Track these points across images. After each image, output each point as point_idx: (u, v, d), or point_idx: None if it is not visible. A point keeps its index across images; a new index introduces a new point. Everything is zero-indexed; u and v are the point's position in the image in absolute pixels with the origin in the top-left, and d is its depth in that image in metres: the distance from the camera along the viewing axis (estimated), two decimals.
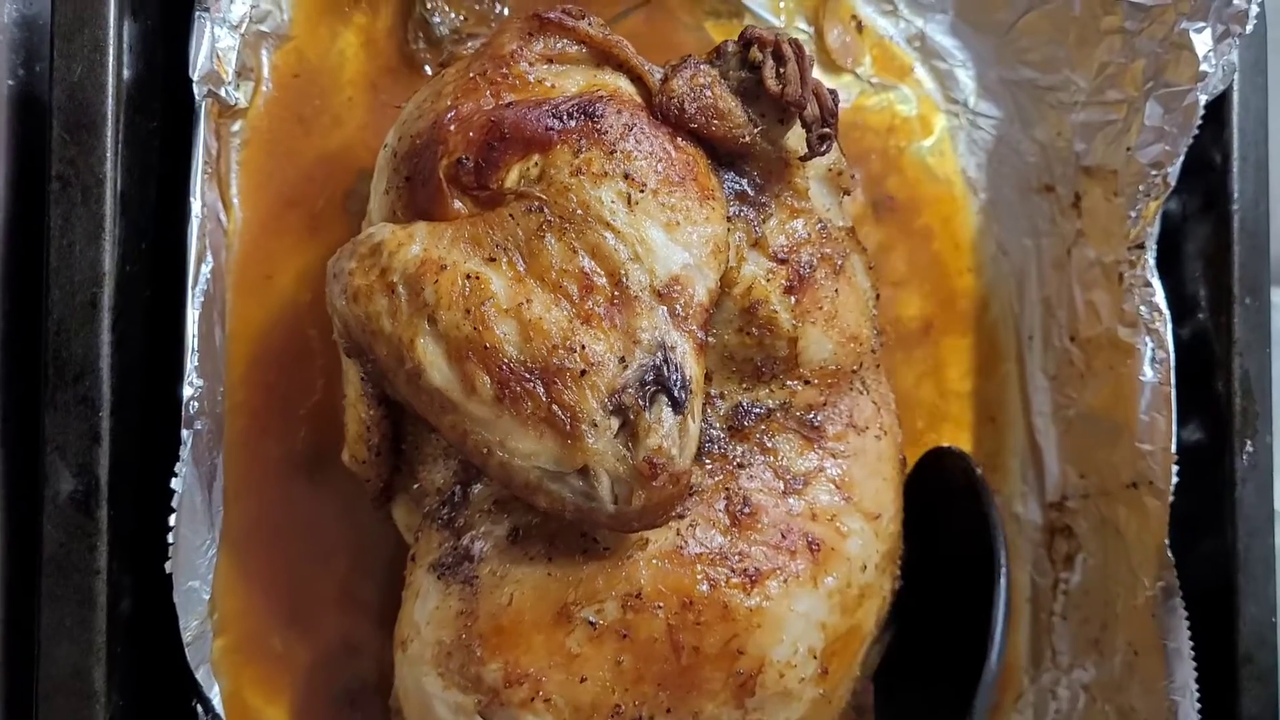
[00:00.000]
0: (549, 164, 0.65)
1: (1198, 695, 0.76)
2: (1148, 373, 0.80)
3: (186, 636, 0.67)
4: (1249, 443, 0.79)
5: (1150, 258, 0.81)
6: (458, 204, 0.66)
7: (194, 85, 0.68)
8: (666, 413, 0.63)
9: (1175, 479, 0.77)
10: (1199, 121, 0.78)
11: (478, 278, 0.63)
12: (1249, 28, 0.77)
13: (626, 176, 0.65)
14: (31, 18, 0.79)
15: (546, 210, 0.64)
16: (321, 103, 0.83)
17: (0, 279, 0.77)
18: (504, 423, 0.63)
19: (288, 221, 0.81)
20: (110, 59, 0.64)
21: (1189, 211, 0.82)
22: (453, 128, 0.65)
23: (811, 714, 0.71)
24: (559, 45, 0.69)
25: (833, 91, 0.70)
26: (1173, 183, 0.79)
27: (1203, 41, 0.78)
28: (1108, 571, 0.84)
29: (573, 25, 0.68)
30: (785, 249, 0.70)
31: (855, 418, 0.74)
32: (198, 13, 0.69)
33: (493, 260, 0.64)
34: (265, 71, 0.81)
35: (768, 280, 0.70)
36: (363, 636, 0.81)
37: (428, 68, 0.84)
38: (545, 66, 0.68)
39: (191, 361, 0.66)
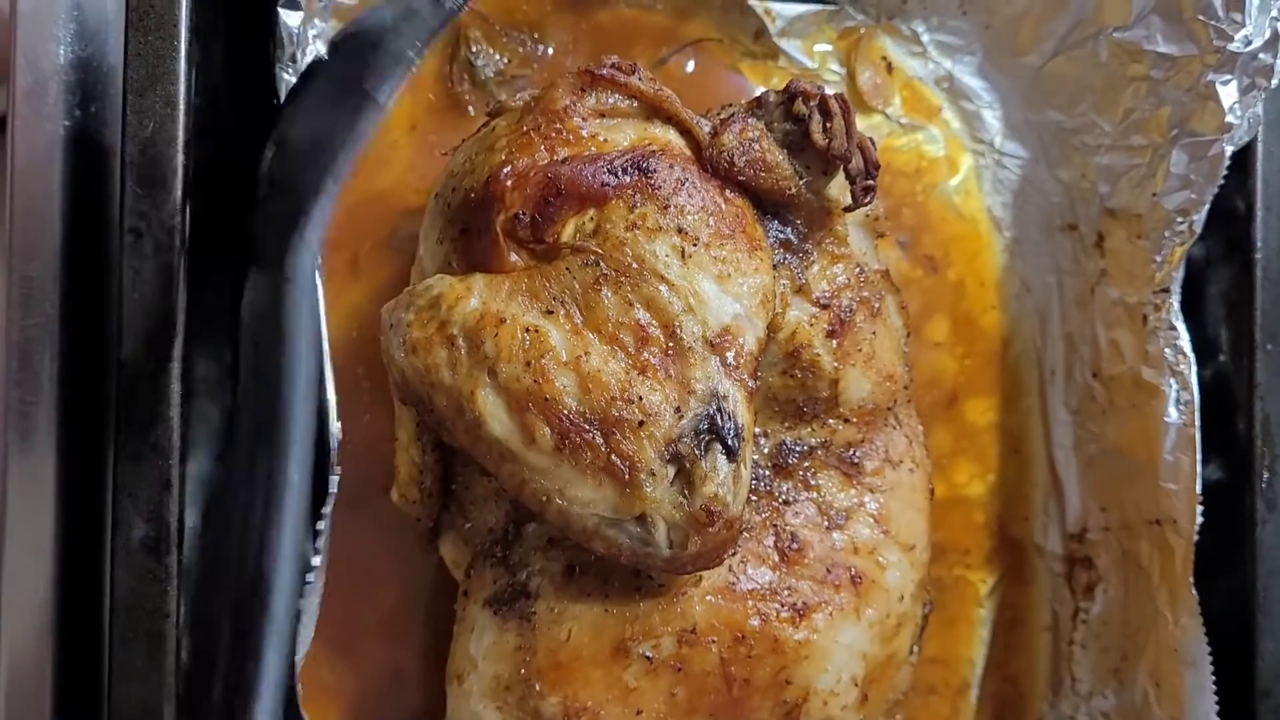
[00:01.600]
0: (604, 218, 0.67)
1: None
2: (1172, 414, 0.82)
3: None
4: (1268, 484, 0.81)
5: (1175, 302, 0.83)
6: (514, 257, 0.67)
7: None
8: (721, 461, 0.65)
9: (1200, 519, 0.80)
10: (1224, 171, 0.80)
11: (537, 331, 0.65)
12: (1275, 81, 0.79)
13: (680, 230, 0.67)
14: (86, 59, 0.80)
15: (602, 264, 0.66)
16: (370, 143, 0.84)
17: (57, 315, 0.79)
18: (563, 472, 0.65)
19: (334, 262, 0.83)
20: (180, 114, 0.65)
21: (1212, 257, 0.85)
22: (509, 183, 0.67)
23: None
24: (610, 100, 0.71)
25: (871, 140, 0.72)
26: (1198, 230, 0.82)
27: (1228, 94, 0.80)
28: (1129, 604, 0.86)
29: (624, 81, 0.70)
30: (827, 294, 0.73)
31: (890, 453, 0.77)
32: (279, 68, 0.70)
33: (550, 313, 0.66)
34: None
35: (811, 325, 0.72)
36: (409, 667, 0.83)
37: (471, 109, 0.86)
38: (598, 121, 0.70)
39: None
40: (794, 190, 0.72)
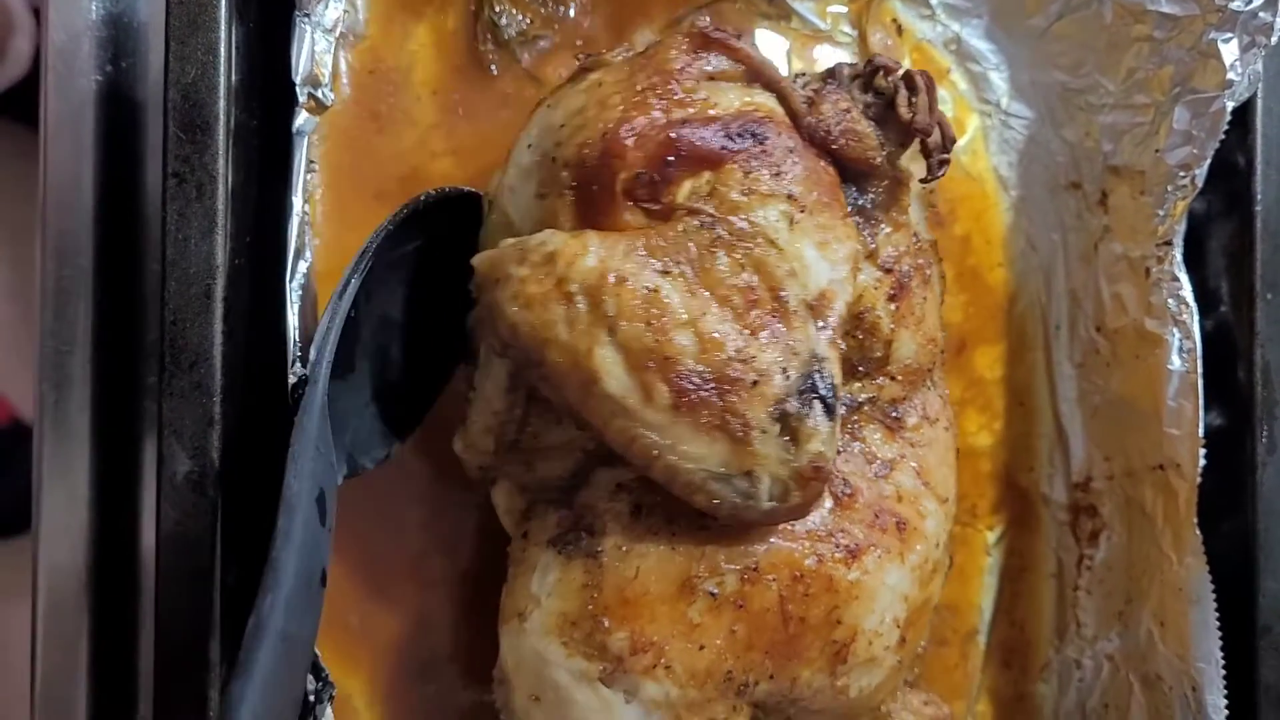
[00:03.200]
0: (719, 182, 0.69)
1: (1223, 664, 0.81)
2: (1175, 362, 0.85)
3: None
4: (1268, 429, 0.84)
5: (1178, 254, 0.85)
6: (628, 216, 0.69)
7: (296, 88, 0.71)
8: (822, 419, 0.68)
9: (1202, 462, 0.83)
10: (1225, 127, 0.83)
11: (657, 290, 0.67)
12: (1274, 39, 0.82)
13: (789, 197, 0.69)
14: (117, 15, 0.82)
15: (718, 226, 0.68)
16: (395, 100, 0.86)
17: (91, 267, 0.81)
18: (678, 429, 0.67)
19: (364, 214, 0.85)
20: (221, 61, 0.67)
21: (1213, 211, 0.88)
22: (630, 142, 0.68)
23: (886, 681, 0.77)
24: (719, 63, 0.72)
25: None
26: (1200, 184, 0.84)
27: (1230, 51, 0.83)
28: (1133, 548, 0.89)
29: (736, 46, 0.72)
30: (891, 260, 0.76)
31: (928, 411, 0.79)
32: (298, 17, 0.72)
33: (667, 273, 0.67)
34: (343, 70, 0.84)
35: (875, 288, 0.75)
36: (437, 611, 0.85)
37: (494, 68, 0.88)
38: (707, 83, 0.72)
39: (294, 352, 0.70)
40: (877, 160, 0.74)
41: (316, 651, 0.72)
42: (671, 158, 0.68)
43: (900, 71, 0.75)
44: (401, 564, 0.85)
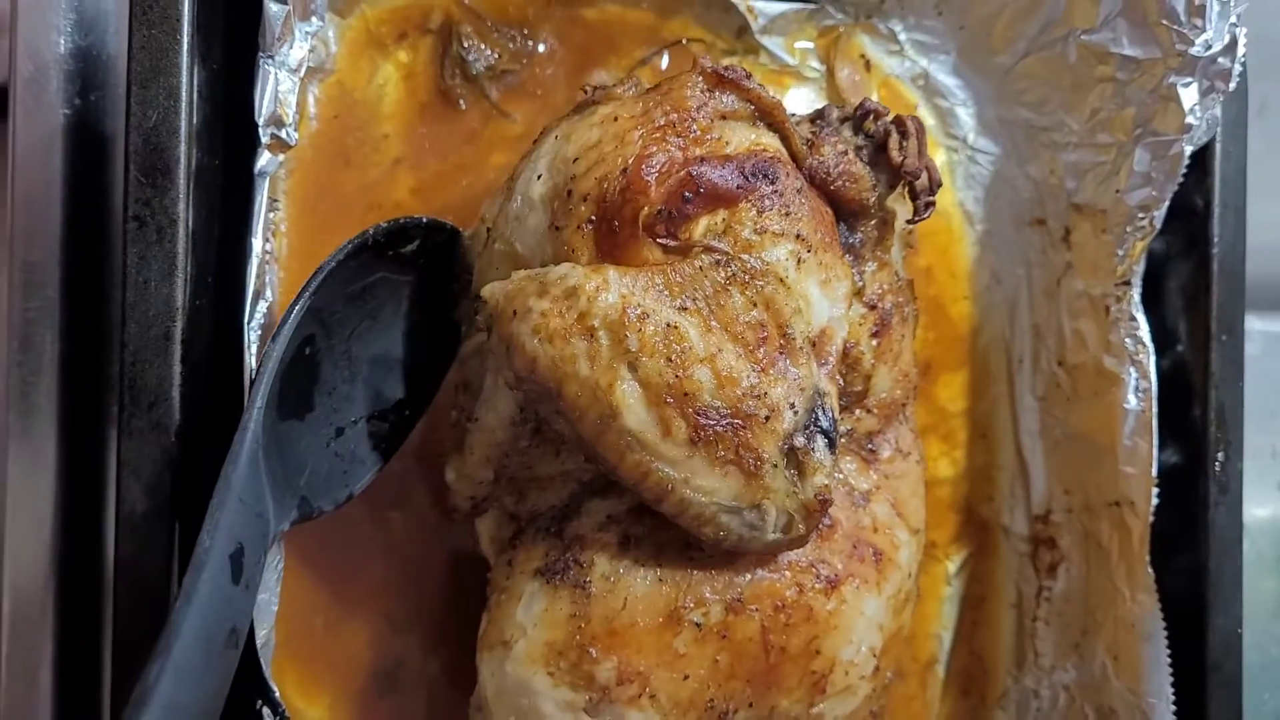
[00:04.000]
0: (734, 220, 0.70)
1: (1174, 699, 0.82)
2: (1131, 401, 0.86)
3: (259, 644, 0.72)
4: (1221, 468, 0.85)
5: (1136, 294, 0.87)
6: (645, 251, 0.70)
7: (259, 129, 0.72)
8: (825, 452, 0.70)
9: (1155, 501, 0.84)
10: (1184, 170, 0.84)
11: (676, 327, 0.68)
12: (1233, 85, 0.83)
13: (798, 237, 0.71)
14: (86, 49, 0.83)
15: (732, 264, 0.69)
16: (361, 135, 0.87)
17: (58, 299, 0.81)
18: (694, 463, 0.68)
19: (331, 248, 0.85)
20: (183, 105, 0.68)
21: (1172, 251, 0.89)
22: (651, 178, 0.69)
23: (859, 710, 0.79)
24: (730, 101, 0.73)
25: None
26: (1158, 226, 0.85)
27: (1189, 95, 0.84)
28: (1089, 582, 0.90)
29: (749, 87, 0.73)
30: (876, 297, 0.78)
31: (900, 444, 0.82)
32: (261, 58, 0.72)
33: (685, 309, 0.68)
34: (310, 106, 0.85)
35: (860, 324, 0.76)
36: (398, 640, 0.86)
37: (463, 103, 0.88)
38: (720, 121, 0.73)
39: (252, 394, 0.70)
40: (869, 201, 0.76)
41: (273, 686, 0.73)
42: (689, 194, 0.69)
43: (891, 116, 0.77)
44: (361, 594, 0.86)
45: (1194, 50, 0.83)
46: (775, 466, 0.69)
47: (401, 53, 0.88)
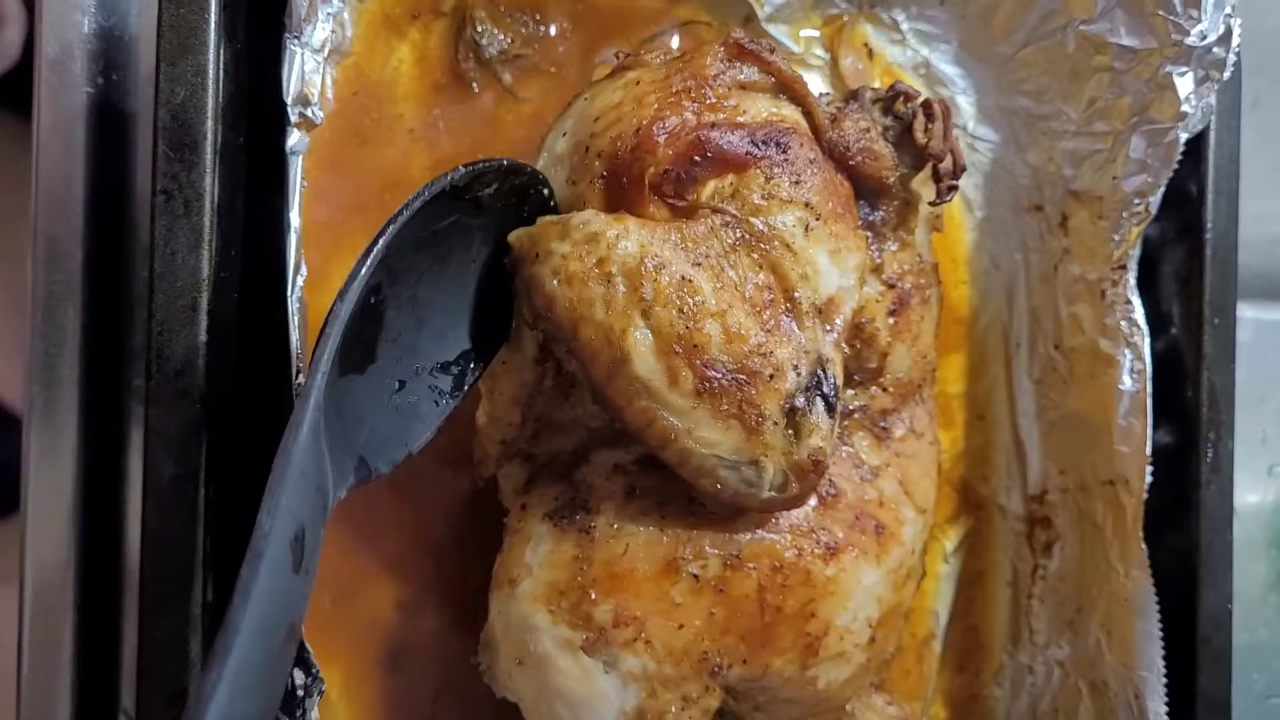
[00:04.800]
0: (742, 185, 0.72)
1: (1164, 673, 0.85)
2: (1127, 382, 0.88)
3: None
4: (1213, 448, 0.88)
5: (1131, 278, 0.89)
6: (652, 209, 0.72)
7: (288, 108, 0.73)
8: (824, 416, 0.72)
9: (1149, 479, 0.86)
10: (1179, 157, 0.86)
11: (690, 280, 0.70)
12: (1227, 74, 0.85)
13: (806, 205, 0.73)
14: (109, 29, 0.85)
15: (739, 227, 0.71)
16: (377, 115, 0.89)
17: (80, 271, 0.83)
18: (698, 414, 0.70)
19: (346, 227, 0.87)
20: (210, 82, 0.70)
21: (1166, 237, 0.91)
22: (661, 139, 0.72)
23: (853, 677, 0.81)
24: (750, 73, 0.76)
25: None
26: (1154, 211, 0.88)
27: (1184, 84, 0.86)
28: (1084, 559, 0.93)
29: (769, 59, 0.76)
30: (895, 276, 0.80)
31: (915, 425, 0.84)
32: (287, 38, 0.74)
33: (698, 265, 0.71)
34: (328, 86, 0.86)
35: (877, 301, 0.79)
36: (411, 602, 0.88)
37: (475, 85, 0.90)
38: (739, 92, 0.75)
39: (297, 364, 0.72)
40: (890, 180, 0.78)
41: (306, 645, 0.75)
42: (698, 157, 0.72)
43: (920, 99, 0.79)
44: (375, 564, 0.88)
45: (1189, 40, 0.85)
46: (775, 424, 0.71)
47: (415, 34, 0.90)
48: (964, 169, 0.79)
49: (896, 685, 0.97)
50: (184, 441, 0.69)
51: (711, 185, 0.72)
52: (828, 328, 0.74)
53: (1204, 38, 0.85)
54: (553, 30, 0.91)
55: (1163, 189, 0.87)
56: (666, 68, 0.76)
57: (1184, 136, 0.86)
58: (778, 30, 0.96)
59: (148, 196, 0.75)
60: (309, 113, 0.77)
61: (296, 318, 0.73)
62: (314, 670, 0.74)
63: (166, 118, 0.69)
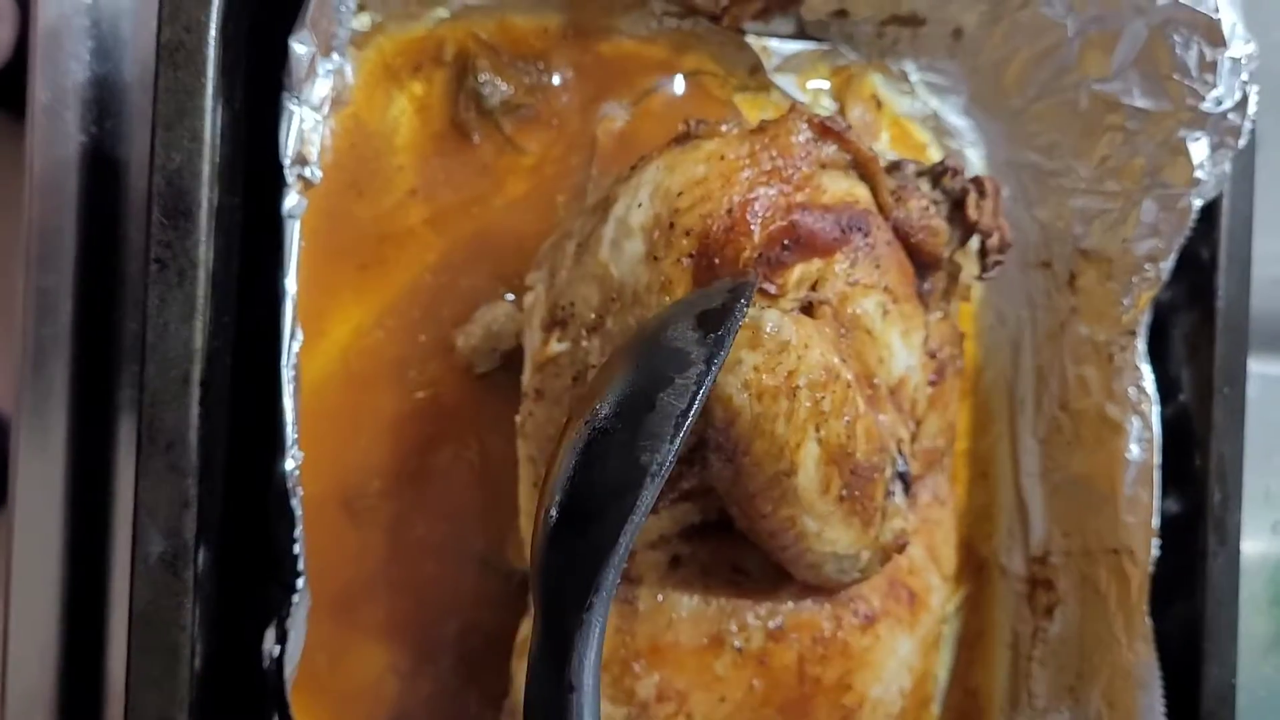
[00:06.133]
0: (828, 270, 0.71)
1: None
2: (1134, 450, 0.87)
3: (286, 674, 0.72)
4: (1220, 520, 0.86)
5: (1141, 344, 0.87)
6: None
7: (286, 170, 0.72)
8: (902, 496, 0.72)
9: (1156, 552, 0.85)
10: (1192, 224, 0.85)
11: (850, 386, 0.68)
12: (1242, 142, 0.84)
13: (885, 289, 0.72)
14: (103, 76, 0.83)
15: (838, 317, 0.71)
16: (375, 166, 0.87)
17: (70, 324, 0.81)
18: (834, 516, 0.70)
19: (341, 279, 0.86)
20: (206, 148, 0.68)
21: (1176, 302, 0.90)
22: (755, 222, 0.70)
23: None
24: (830, 151, 0.74)
25: None
26: (1165, 278, 0.86)
27: (1199, 150, 0.85)
28: (1085, 626, 0.91)
29: (851, 139, 0.75)
30: (936, 346, 0.79)
31: (939, 492, 0.84)
32: (286, 97, 0.72)
33: (845, 363, 0.69)
34: (326, 137, 0.85)
35: (921, 371, 0.77)
36: (408, 669, 0.86)
37: (477, 136, 0.88)
38: (820, 170, 0.74)
39: (292, 435, 0.71)
40: (945, 254, 0.77)
41: (292, 714, 0.73)
42: (789, 241, 0.70)
43: (969, 174, 0.79)
44: (374, 616, 0.86)
45: (1204, 105, 0.84)
46: (883, 516, 0.71)
47: (416, 85, 0.88)
48: (1010, 245, 0.79)
49: None
50: (173, 517, 0.68)
51: (799, 270, 0.70)
52: (900, 408, 0.73)
53: (1219, 104, 0.84)
54: (556, 79, 0.90)
55: (1174, 255, 0.86)
56: (750, 142, 0.73)
57: (1198, 203, 0.85)
58: (784, 80, 0.94)
59: (139, 249, 0.73)
60: (307, 172, 0.75)
61: (291, 385, 0.72)
62: None
63: (161, 184, 0.67)
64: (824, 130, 0.74)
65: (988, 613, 0.99)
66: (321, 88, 0.77)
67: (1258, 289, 1.08)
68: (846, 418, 0.68)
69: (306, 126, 0.76)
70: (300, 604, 0.72)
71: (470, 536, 0.85)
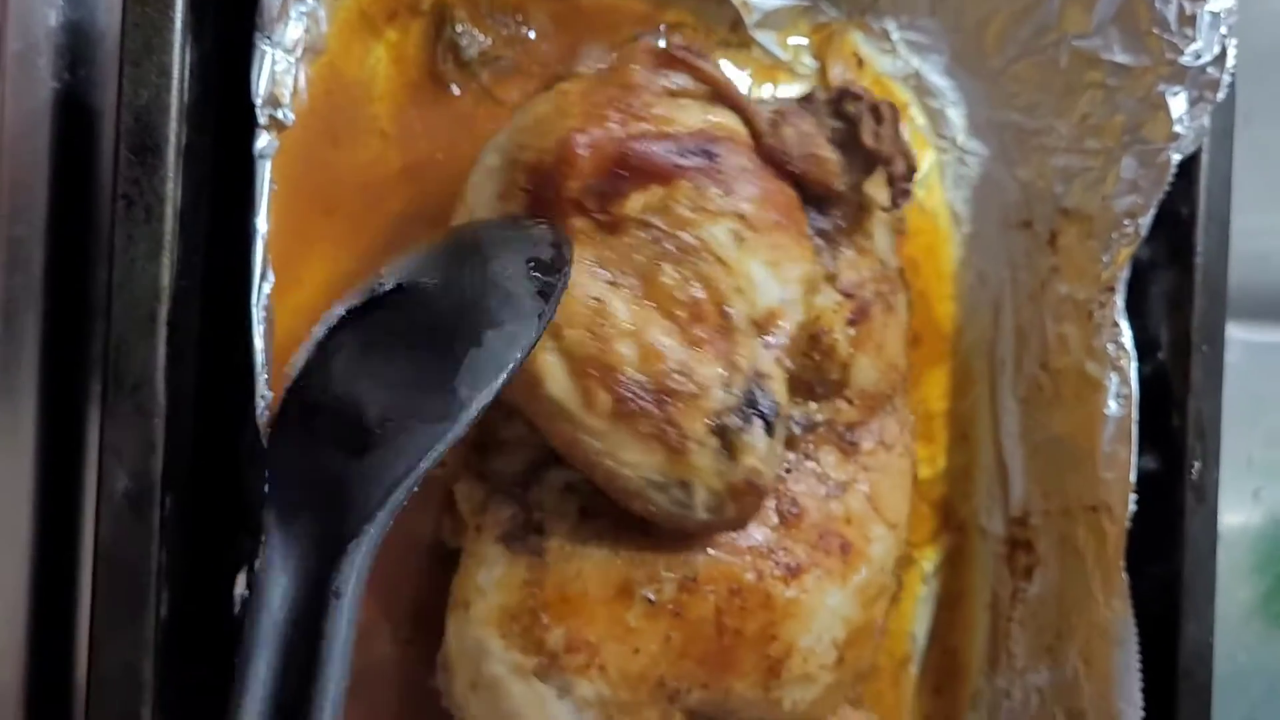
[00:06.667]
0: (669, 197, 0.70)
1: (1141, 705, 0.83)
2: (1112, 407, 0.87)
3: None
4: (1198, 478, 0.86)
5: (1120, 300, 0.87)
6: (577, 223, 0.70)
7: (257, 110, 0.71)
8: (760, 435, 0.70)
9: (1132, 507, 0.84)
10: (1170, 179, 0.84)
11: (602, 300, 0.68)
12: (1221, 95, 0.83)
13: (739, 215, 0.70)
14: (77, 22, 0.82)
15: (666, 241, 0.69)
16: (351, 115, 0.86)
17: (42, 276, 0.81)
18: (617, 436, 0.69)
19: (317, 229, 0.85)
20: (174, 83, 0.67)
21: (1156, 260, 0.89)
22: (582, 152, 0.70)
23: (822, 698, 0.79)
24: (681, 81, 0.74)
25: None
26: (1144, 233, 0.86)
27: (1178, 105, 0.84)
28: (1064, 586, 0.91)
29: (697, 64, 0.74)
30: (853, 285, 0.78)
31: (885, 437, 0.82)
32: (258, 37, 0.72)
33: (614, 284, 0.69)
34: (301, 85, 0.84)
35: (835, 311, 0.77)
36: (367, 626, 0.85)
37: (455, 88, 0.88)
38: (668, 100, 0.73)
39: (262, 375, 0.70)
40: (839, 185, 0.75)
41: None
42: (622, 170, 0.70)
43: (868, 99, 0.76)
44: None
45: (1184, 59, 0.83)
46: (701, 445, 0.69)
47: (392, 33, 0.87)
48: (915, 171, 0.77)
49: (872, 708, 0.95)
50: (140, 457, 0.67)
51: (637, 199, 0.70)
52: (768, 342, 0.71)
53: (1198, 57, 0.83)
54: (534, 32, 0.89)
55: (1153, 211, 0.85)
56: (595, 78, 0.74)
57: (1176, 158, 0.84)
58: (765, 37, 0.94)
59: (110, 200, 0.72)
60: (279, 114, 0.75)
61: (261, 327, 0.71)
62: None
63: (129, 120, 0.66)
64: (669, 59, 0.73)
65: (967, 574, 0.98)
66: (294, 30, 0.77)
67: (1244, 260, 1.08)
68: (591, 329, 0.67)
69: (279, 69, 0.75)
70: None
71: (432, 488, 0.84)
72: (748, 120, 0.74)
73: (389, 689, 0.85)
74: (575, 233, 0.70)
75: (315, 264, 0.85)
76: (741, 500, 0.70)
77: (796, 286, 0.73)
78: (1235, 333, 1.08)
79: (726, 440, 0.69)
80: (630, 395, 0.68)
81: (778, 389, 0.72)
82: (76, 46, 0.81)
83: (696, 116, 0.73)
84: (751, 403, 0.70)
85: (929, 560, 0.98)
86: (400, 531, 0.84)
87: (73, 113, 0.81)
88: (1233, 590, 1.07)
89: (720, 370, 0.69)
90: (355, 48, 0.86)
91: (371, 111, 0.87)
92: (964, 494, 0.98)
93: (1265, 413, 1.08)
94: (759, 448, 0.70)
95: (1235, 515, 1.08)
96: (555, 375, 0.68)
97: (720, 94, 0.74)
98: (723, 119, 0.74)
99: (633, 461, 0.69)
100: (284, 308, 0.84)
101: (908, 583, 0.97)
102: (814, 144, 0.74)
